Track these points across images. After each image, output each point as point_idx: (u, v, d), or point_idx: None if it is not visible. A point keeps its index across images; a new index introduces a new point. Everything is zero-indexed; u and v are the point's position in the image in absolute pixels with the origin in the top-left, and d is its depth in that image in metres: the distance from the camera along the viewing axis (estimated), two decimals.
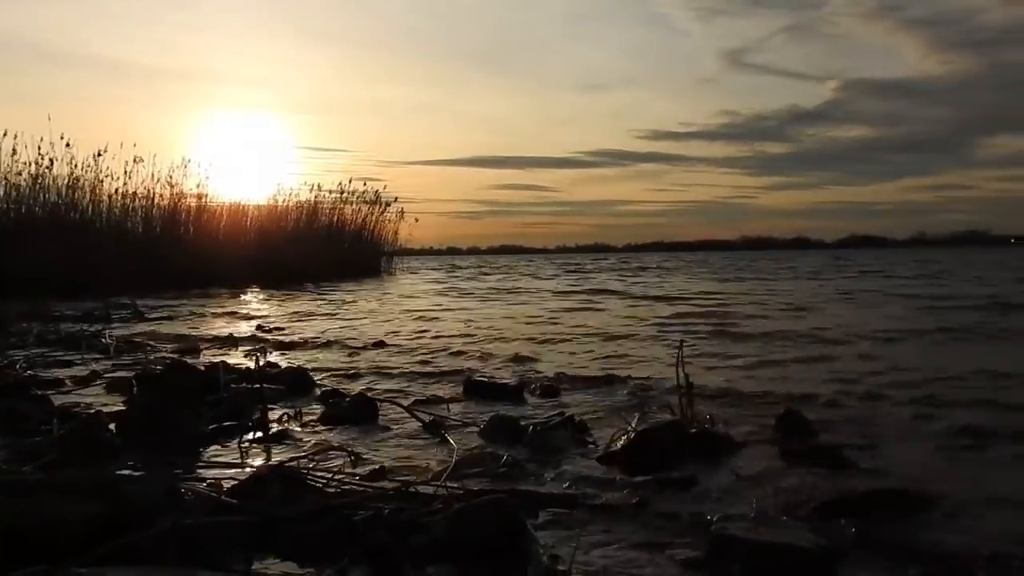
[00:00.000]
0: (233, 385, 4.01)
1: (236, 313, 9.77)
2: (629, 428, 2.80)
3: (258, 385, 3.77)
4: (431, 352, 5.70)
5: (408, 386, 4.25)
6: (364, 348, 5.91)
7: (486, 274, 26.38)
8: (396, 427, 3.20)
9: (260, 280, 17.57)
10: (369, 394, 3.64)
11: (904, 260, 32.84)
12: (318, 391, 4.00)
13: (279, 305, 11.15)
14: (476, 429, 3.09)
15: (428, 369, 4.88)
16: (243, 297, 13.60)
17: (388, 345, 6.00)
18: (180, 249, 17.38)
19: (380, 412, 3.40)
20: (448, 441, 2.89)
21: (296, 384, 4.07)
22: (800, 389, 3.92)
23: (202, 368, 4.41)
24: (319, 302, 11.52)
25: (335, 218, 22.07)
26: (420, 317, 8.81)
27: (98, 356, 5.54)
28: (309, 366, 4.83)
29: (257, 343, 6.24)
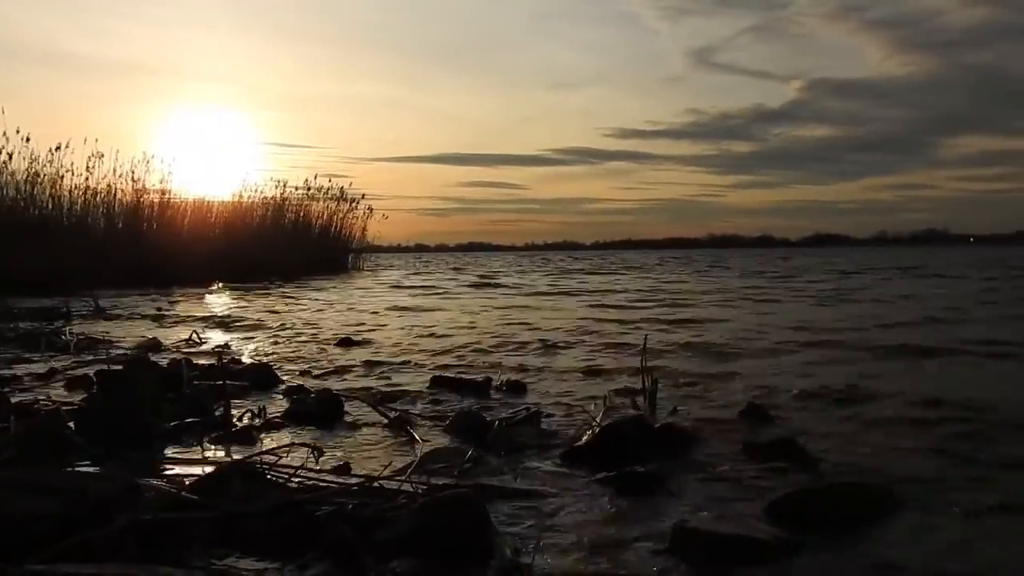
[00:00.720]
0: (196, 382, 3.96)
1: (200, 309, 9.66)
2: (594, 423, 2.82)
3: (221, 382, 3.76)
4: (398, 347, 5.70)
5: (374, 381, 4.24)
6: (330, 344, 5.88)
7: (456, 269, 26.35)
8: (361, 423, 3.18)
9: (225, 277, 17.38)
10: (334, 390, 3.62)
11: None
12: (283, 387, 3.97)
13: (244, 302, 11.05)
14: (442, 425, 3.09)
15: (395, 364, 4.87)
16: (208, 294, 13.45)
17: (355, 341, 5.97)
18: (143, 245, 17.12)
19: (345, 408, 3.39)
20: (413, 437, 2.89)
21: (261, 380, 4.04)
22: (762, 382, 3.97)
23: (164, 365, 4.35)
24: (285, 299, 11.44)
25: (302, 214, 21.93)
26: (387, 313, 8.79)
27: (58, 354, 5.45)
28: (274, 362, 4.81)
29: (220, 337, 6.17)
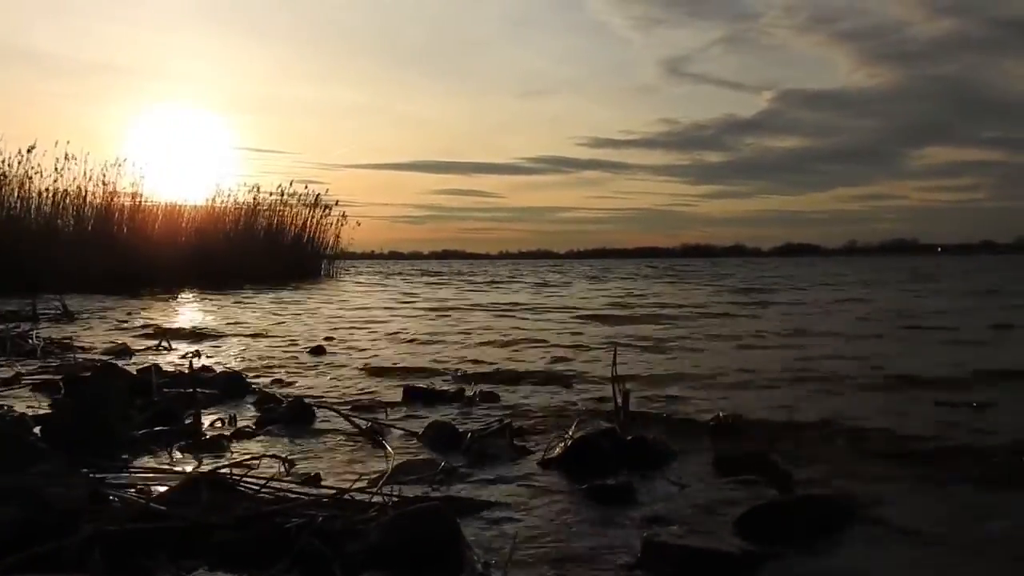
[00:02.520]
0: (165, 389, 3.93)
1: (171, 315, 9.56)
2: (566, 435, 2.82)
3: (191, 389, 3.72)
4: (371, 355, 5.67)
5: (347, 390, 4.21)
6: (302, 352, 5.84)
7: (431, 279, 26.26)
8: (333, 433, 3.16)
9: (197, 283, 17.23)
10: (306, 399, 3.59)
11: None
12: (253, 396, 3.93)
13: (215, 308, 10.94)
14: (415, 436, 3.08)
15: (368, 373, 4.85)
16: (178, 299, 13.32)
17: (326, 350, 5.93)
18: (113, 249, 16.92)
19: (317, 417, 3.37)
20: (385, 447, 2.87)
21: (231, 388, 4.00)
22: (734, 395, 3.99)
23: (133, 372, 4.30)
24: (256, 306, 11.33)
25: (275, 220, 21.76)
26: (360, 320, 8.75)
27: (24, 358, 5.36)
28: (245, 370, 4.77)
29: (190, 345, 6.11)
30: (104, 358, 5.36)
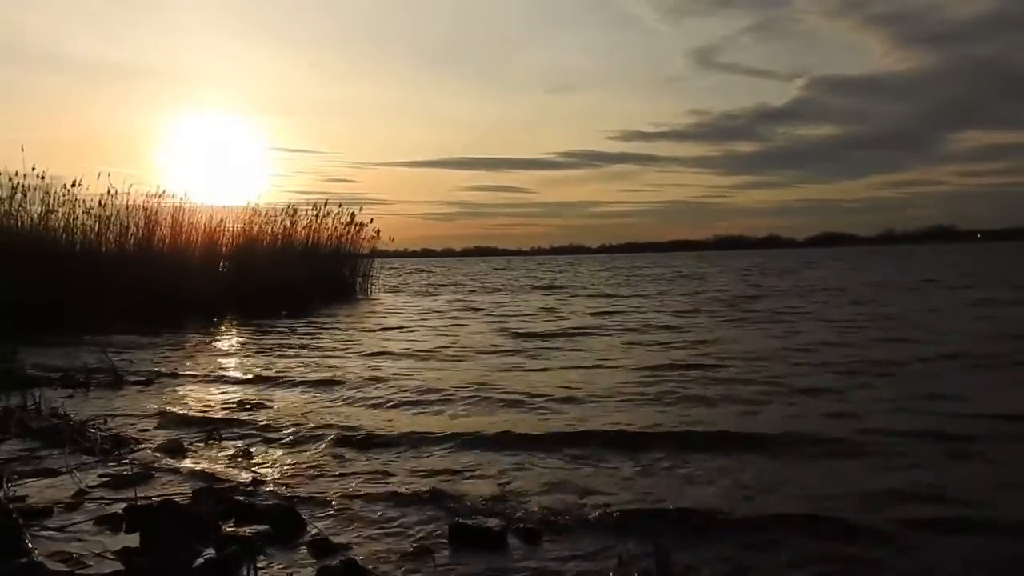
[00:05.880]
0: (220, 523, 4.08)
1: (214, 367, 9.76)
2: None
3: (245, 530, 3.89)
4: (441, 451, 5.65)
5: (413, 518, 4.27)
6: (350, 445, 5.85)
7: (476, 280, 26.40)
8: None
9: (235, 309, 17.56)
10: (359, 560, 3.62)
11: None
12: (308, 536, 3.97)
13: (256, 349, 11.16)
14: None
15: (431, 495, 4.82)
16: (218, 336, 13.58)
17: (376, 440, 5.94)
18: (154, 278, 17.29)
19: None
20: None
21: (282, 526, 4.03)
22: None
23: (190, 499, 4.46)
24: (296, 346, 11.51)
25: (310, 241, 22.07)
26: (408, 366, 8.75)
27: (83, 456, 5.56)
28: (294, 483, 4.87)
29: (242, 434, 6.24)
30: (158, 459, 5.53)
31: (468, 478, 4.93)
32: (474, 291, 28.86)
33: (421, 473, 5.06)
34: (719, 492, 4.44)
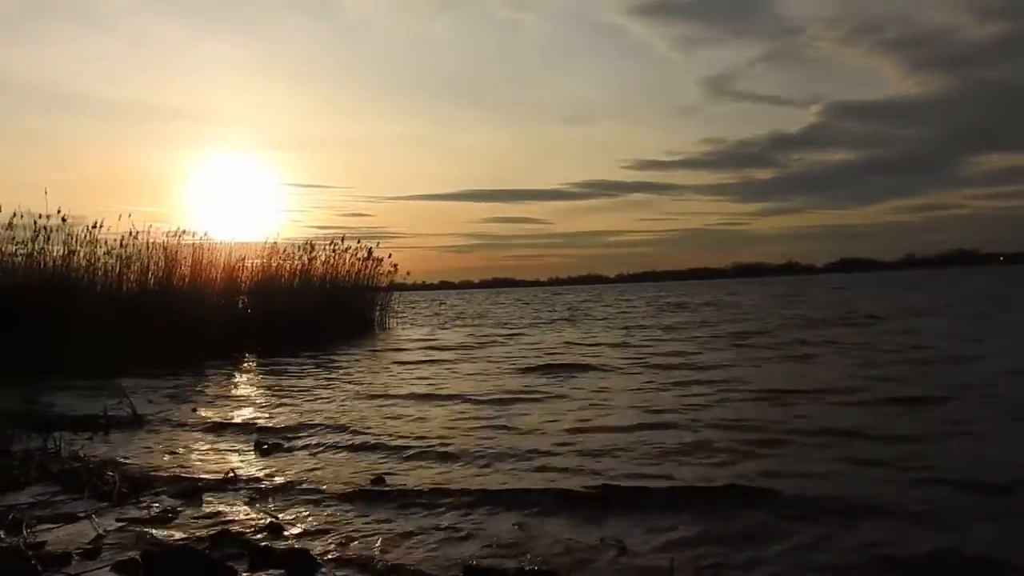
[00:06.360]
0: (237, 568, 4.08)
1: (232, 407, 9.80)
2: None
3: None
4: (445, 483, 5.64)
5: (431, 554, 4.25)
6: (367, 481, 5.86)
7: (497, 312, 26.39)
8: None
9: (255, 346, 17.67)
10: None
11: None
12: None
13: (275, 392, 11.19)
14: None
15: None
16: (237, 375, 13.65)
17: (387, 487, 5.97)
18: (174, 316, 17.46)
19: None
20: None
21: (297, 569, 4.07)
22: None
23: (207, 543, 4.47)
24: (316, 387, 11.54)
25: (328, 276, 22.24)
26: (427, 410, 8.76)
27: (100, 503, 5.58)
28: (307, 528, 4.87)
29: (259, 478, 6.24)
30: (175, 503, 5.55)
31: (482, 530, 4.90)
32: (492, 323, 28.90)
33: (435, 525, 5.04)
34: None
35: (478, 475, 6.04)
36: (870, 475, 5.41)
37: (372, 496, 5.60)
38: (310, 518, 5.12)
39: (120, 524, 5.08)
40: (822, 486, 5.15)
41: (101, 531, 4.92)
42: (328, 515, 5.19)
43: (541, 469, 6.08)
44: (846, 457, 5.92)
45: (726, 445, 6.52)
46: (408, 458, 6.71)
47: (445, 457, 6.68)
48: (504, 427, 7.84)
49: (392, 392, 10.64)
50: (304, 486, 5.93)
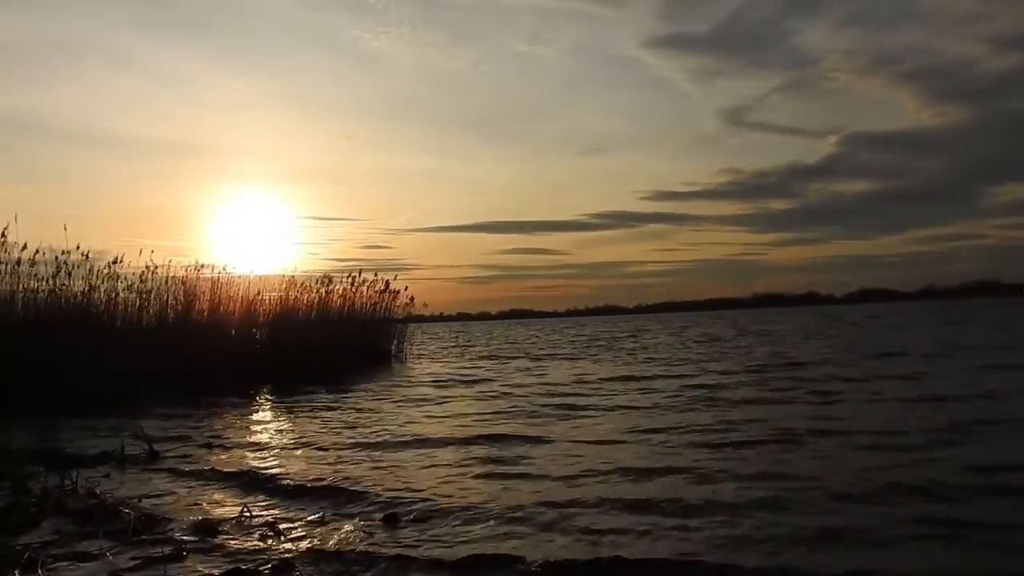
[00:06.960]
0: None
1: (249, 444, 9.84)
2: None
3: None
4: (462, 525, 5.62)
5: None
6: (375, 522, 5.86)
7: (510, 356, 26.33)
8: None
9: (269, 382, 17.76)
10: None
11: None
12: None
13: (289, 428, 11.24)
14: None
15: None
16: (254, 410, 13.71)
17: (402, 518, 5.96)
18: (193, 350, 17.60)
19: None
20: None
21: None
22: None
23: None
24: (330, 424, 11.57)
25: (345, 309, 22.36)
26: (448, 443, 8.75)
27: (117, 542, 5.60)
28: (326, 567, 4.88)
29: (274, 513, 6.26)
30: (190, 539, 5.58)
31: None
32: (510, 356, 28.85)
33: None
34: None
35: None
36: None
37: (384, 523, 5.64)
38: (322, 550, 5.15)
39: (135, 562, 5.12)
40: None
41: (117, 568, 4.97)
42: (339, 543, 5.22)
43: None
44: None
45: None
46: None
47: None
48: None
49: (400, 431, 10.65)
50: (313, 517, 5.98)
